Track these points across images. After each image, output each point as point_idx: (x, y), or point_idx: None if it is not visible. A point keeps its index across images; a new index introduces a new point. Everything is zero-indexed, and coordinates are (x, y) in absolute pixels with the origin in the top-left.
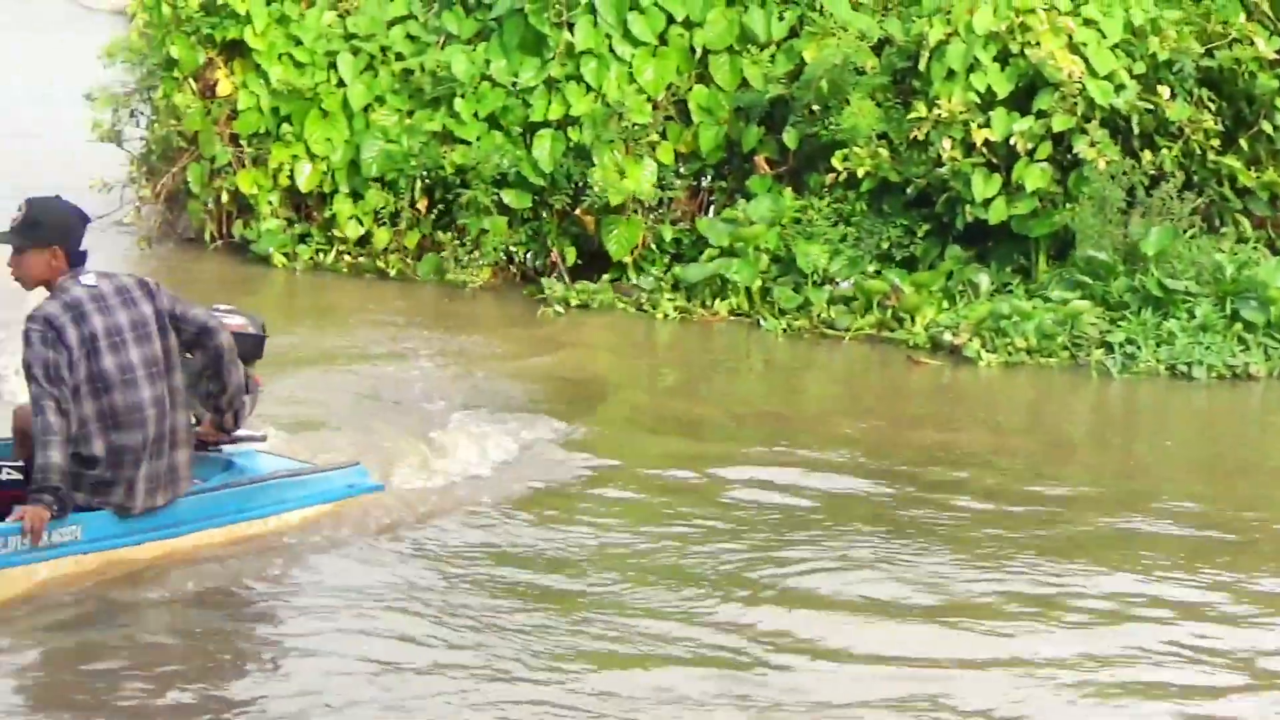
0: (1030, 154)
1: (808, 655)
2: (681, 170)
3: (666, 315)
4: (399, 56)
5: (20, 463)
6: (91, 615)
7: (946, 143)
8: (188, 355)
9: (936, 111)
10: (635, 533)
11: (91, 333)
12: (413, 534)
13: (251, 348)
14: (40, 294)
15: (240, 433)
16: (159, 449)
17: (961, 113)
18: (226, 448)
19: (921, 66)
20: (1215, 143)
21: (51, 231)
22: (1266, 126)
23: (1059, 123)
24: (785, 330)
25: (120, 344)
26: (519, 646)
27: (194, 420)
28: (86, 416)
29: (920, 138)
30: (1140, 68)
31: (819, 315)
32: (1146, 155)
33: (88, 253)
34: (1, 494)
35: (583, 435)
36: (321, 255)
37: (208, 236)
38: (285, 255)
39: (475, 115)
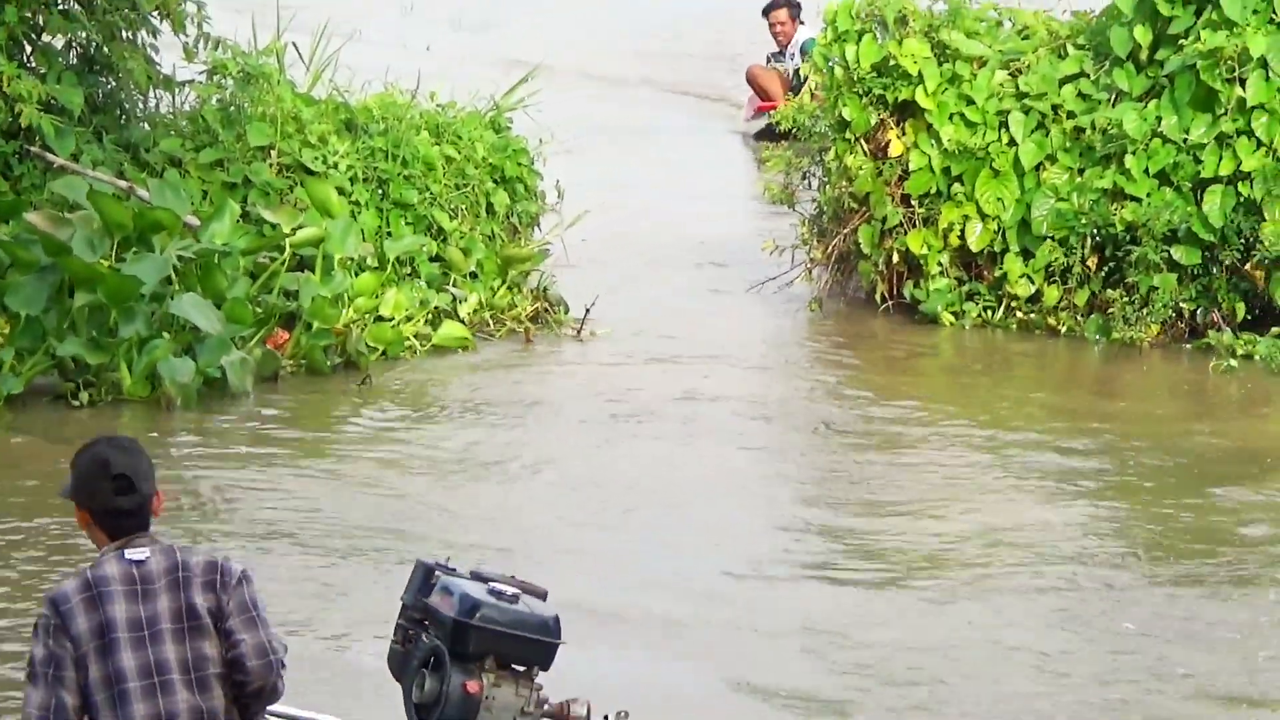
0: None
1: None
2: None
3: None
4: (1070, 114)
5: None
6: None
7: None
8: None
9: None
10: None
11: (108, 620)
12: None
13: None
14: None
15: None
16: None
17: None
18: None
19: None
20: None
21: (75, 485)
22: None
23: None
24: None
25: (154, 637)
26: None
27: None
28: None
29: None
30: None
31: None
32: None
33: (137, 517)
34: None
35: None
36: (989, 313)
37: (878, 297)
38: (953, 314)
39: (1146, 172)
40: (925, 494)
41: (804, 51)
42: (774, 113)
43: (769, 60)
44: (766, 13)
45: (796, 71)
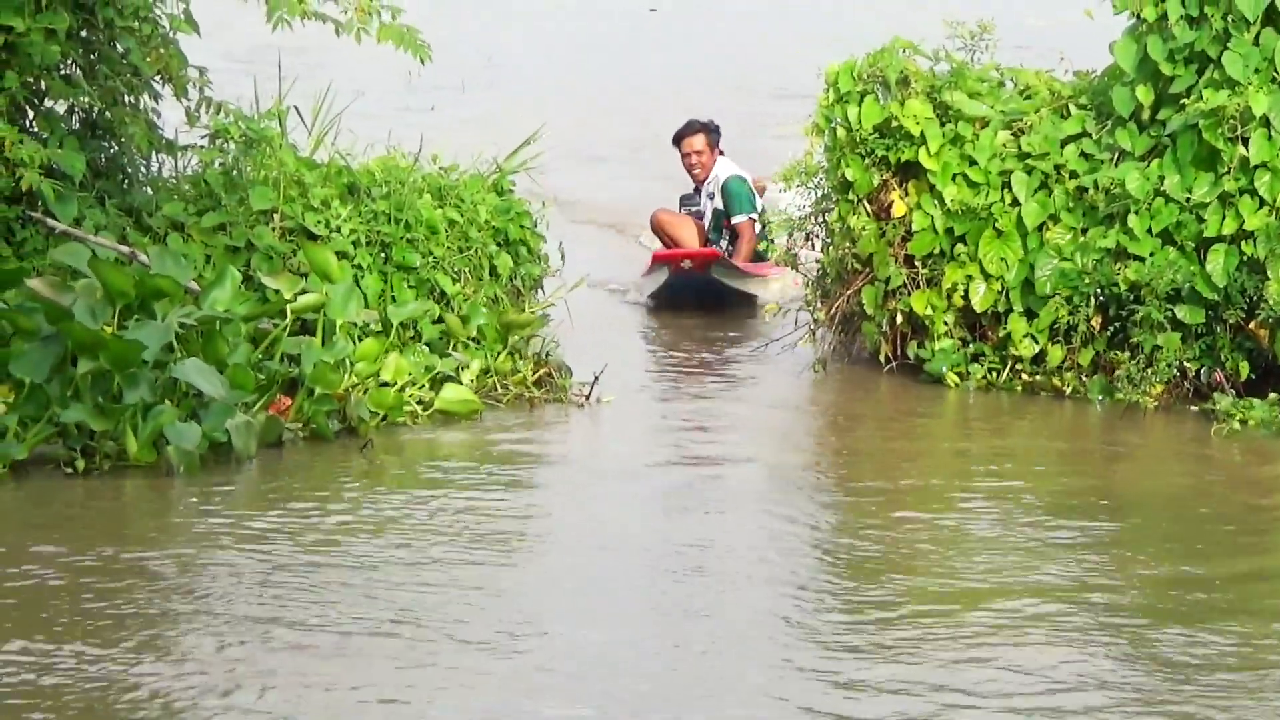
0: None
1: None
2: None
3: None
4: (1073, 174)
5: None
6: None
7: None
8: None
9: None
10: None
11: None
12: None
13: None
14: None
15: None
16: None
17: None
18: None
19: None
20: None
21: None
22: None
23: None
24: None
25: None
26: None
27: None
28: None
29: None
30: None
31: None
32: None
33: None
34: None
35: None
36: (994, 374)
37: (882, 358)
38: (958, 375)
39: (1149, 231)
40: (932, 556)
41: (726, 191)
42: (682, 262)
43: (681, 204)
44: (678, 141)
45: (717, 214)
